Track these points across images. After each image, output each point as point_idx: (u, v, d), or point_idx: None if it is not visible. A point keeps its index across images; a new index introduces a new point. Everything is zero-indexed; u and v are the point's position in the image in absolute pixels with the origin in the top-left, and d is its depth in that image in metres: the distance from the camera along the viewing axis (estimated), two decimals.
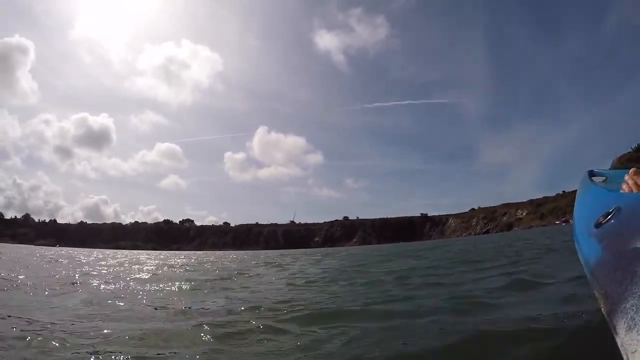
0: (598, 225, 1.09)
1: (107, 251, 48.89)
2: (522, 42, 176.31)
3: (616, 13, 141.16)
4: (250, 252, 55.76)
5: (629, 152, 61.43)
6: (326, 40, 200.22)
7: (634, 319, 0.65)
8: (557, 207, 77.10)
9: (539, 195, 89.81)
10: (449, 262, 10.02)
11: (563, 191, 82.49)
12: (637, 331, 0.63)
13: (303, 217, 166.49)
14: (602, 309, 0.81)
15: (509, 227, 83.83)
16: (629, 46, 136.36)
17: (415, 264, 10.74)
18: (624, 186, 1.43)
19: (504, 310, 3.56)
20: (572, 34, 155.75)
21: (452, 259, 11.28)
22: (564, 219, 66.48)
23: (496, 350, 2.43)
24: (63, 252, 31.06)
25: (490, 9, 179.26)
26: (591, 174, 2.09)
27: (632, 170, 1.44)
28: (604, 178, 2.06)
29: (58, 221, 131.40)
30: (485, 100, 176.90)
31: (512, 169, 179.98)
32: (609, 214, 1.07)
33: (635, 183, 1.38)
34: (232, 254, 36.40)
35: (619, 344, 0.68)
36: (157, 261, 19.09)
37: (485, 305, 3.78)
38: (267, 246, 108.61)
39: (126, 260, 19.53)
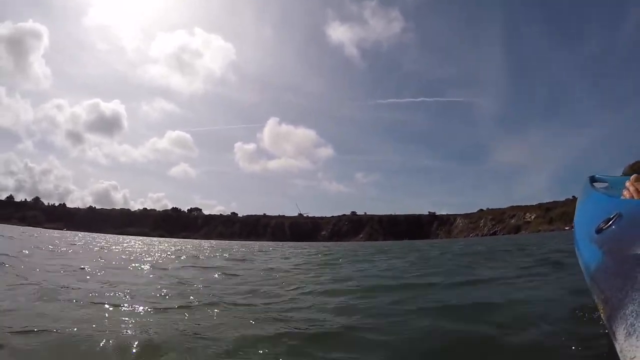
0: (599, 231, 1.11)
1: (119, 237, 49.46)
2: (538, 42, 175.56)
3: (636, 16, 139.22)
4: (251, 242, 55.53)
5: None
6: (339, 33, 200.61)
7: (634, 325, 0.65)
8: (566, 212, 76.64)
9: (549, 199, 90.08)
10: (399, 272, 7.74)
11: (573, 196, 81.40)
12: (637, 337, 0.63)
13: (312, 210, 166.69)
14: (602, 314, 0.81)
15: (517, 229, 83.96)
16: None
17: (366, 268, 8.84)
18: (625, 192, 1.45)
19: None
20: (590, 37, 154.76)
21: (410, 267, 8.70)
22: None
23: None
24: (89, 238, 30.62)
25: (507, 7, 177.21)
26: (592, 179, 2.14)
27: (633, 176, 1.47)
28: (606, 184, 2.09)
29: (67, 205, 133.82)
30: (499, 100, 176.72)
31: (523, 171, 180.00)
32: (609, 219, 1.09)
33: (637, 189, 1.40)
34: (222, 244, 36.23)
35: (618, 349, 0.68)
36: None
37: None
38: (274, 237, 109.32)
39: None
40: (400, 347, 2.57)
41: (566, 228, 65.43)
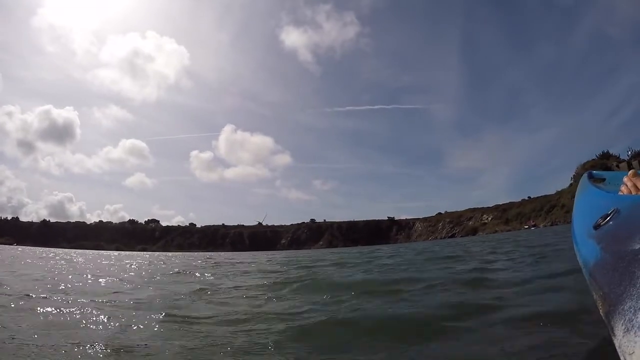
0: (597, 226, 1.09)
1: (71, 251, 45.83)
2: (494, 49, 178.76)
3: (588, 22, 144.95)
4: (207, 253, 52.57)
5: (592, 159, 62.93)
6: (294, 37, 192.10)
7: (632, 321, 0.66)
8: (522, 212, 78.14)
9: (505, 201, 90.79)
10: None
11: (528, 197, 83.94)
12: (635, 333, 0.63)
13: (272, 219, 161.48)
14: (600, 310, 0.81)
15: (474, 231, 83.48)
16: (599, 56, 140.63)
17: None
18: (623, 188, 1.43)
19: None
20: (543, 43, 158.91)
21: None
22: (532, 223, 67.33)
23: None
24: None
25: (463, 15, 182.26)
26: (590, 175, 2.05)
27: (630, 172, 1.43)
28: (603, 180, 1.99)
29: (21, 219, 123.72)
30: (455, 106, 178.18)
31: (481, 174, 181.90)
32: (607, 215, 1.08)
33: (634, 185, 1.38)
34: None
35: (616, 345, 0.68)
36: None
37: None
38: (234, 248, 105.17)
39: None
40: None
41: (525, 227, 66.37)
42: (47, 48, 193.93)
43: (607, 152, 64.45)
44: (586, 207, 1.49)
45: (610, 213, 1.06)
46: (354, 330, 3.19)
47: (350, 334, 3.12)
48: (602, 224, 1.07)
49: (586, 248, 1.10)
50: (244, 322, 3.74)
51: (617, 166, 55.41)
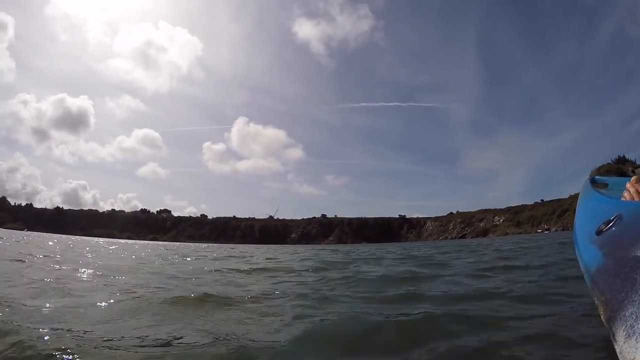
0: (599, 232, 1.09)
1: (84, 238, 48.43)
2: (512, 50, 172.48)
3: (610, 22, 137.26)
4: (217, 245, 53.35)
5: (607, 164, 60.77)
6: (306, 30, 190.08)
7: (633, 327, 0.65)
8: (534, 215, 76.26)
9: (518, 204, 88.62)
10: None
11: (541, 200, 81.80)
12: (636, 339, 0.63)
13: (283, 213, 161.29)
14: (602, 316, 0.80)
15: (485, 233, 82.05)
16: (620, 57, 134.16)
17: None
18: (625, 194, 1.43)
19: None
20: (563, 44, 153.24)
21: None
22: (546, 227, 65.85)
23: None
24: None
25: (480, 12, 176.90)
26: (593, 181, 2.05)
27: (633, 178, 1.44)
28: (606, 185, 2.02)
29: (35, 205, 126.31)
30: (472, 107, 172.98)
31: (495, 175, 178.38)
32: (610, 221, 1.07)
33: (637, 191, 1.38)
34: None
35: (617, 351, 0.68)
36: None
37: None
38: (244, 240, 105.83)
39: None
40: None
41: (538, 231, 64.82)
42: (60, 37, 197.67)
43: (623, 156, 62.10)
44: (589, 212, 1.49)
45: (613, 219, 1.06)
46: None
47: None
48: (604, 229, 1.06)
49: (588, 254, 1.08)
50: None
51: (633, 171, 53.39)
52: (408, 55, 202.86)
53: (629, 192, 1.41)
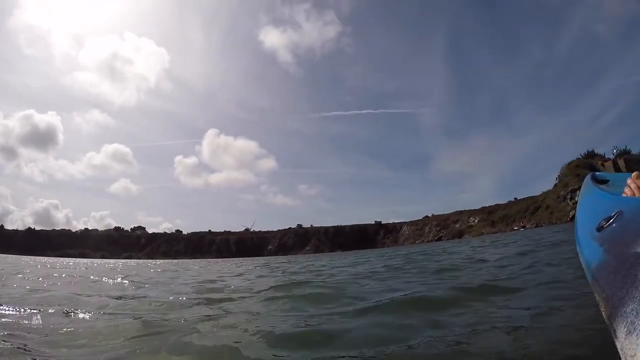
0: (600, 228, 1.09)
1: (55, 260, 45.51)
2: (479, 54, 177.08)
3: (576, 20, 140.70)
4: (191, 260, 50.43)
5: (577, 159, 61.41)
6: (273, 38, 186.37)
7: (634, 323, 0.66)
8: (508, 214, 76.29)
9: (492, 203, 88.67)
10: None
11: (515, 198, 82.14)
12: (637, 335, 0.63)
13: (259, 225, 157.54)
14: (603, 312, 0.81)
15: (461, 234, 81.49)
16: (586, 55, 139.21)
17: None
18: (626, 190, 1.43)
19: None
20: (528, 49, 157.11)
21: None
22: (522, 225, 65.70)
23: None
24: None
25: (447, 18, 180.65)
26: (594, 177, 2.04)
27: (634, 174, 1.44)
28: (607, 181, 1.98)
29: (6, 227, 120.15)
30: (442, 111, 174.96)
31: (468, 177, 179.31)
32: (610, 217, 1.08)
33: (638, 187, 1.38)
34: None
35: (618, 347, 0.68)
36: None
37: None
38: (220, 255, 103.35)
39: None
40: None
41: (515, 228, 64.59)
42: (25, 50, 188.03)
43: (593, 151, 62.93)
44: (589, 208, 1.46)
45: (614, 215, 1.06)
46: None
47: None
48: (605, 226, 1.06)
49: (589, 250, 1.08)
50: None
51: (603, 165, 53.82)
52: (377, 61, 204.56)
53: (630, 188, 1.39)
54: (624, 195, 1.39)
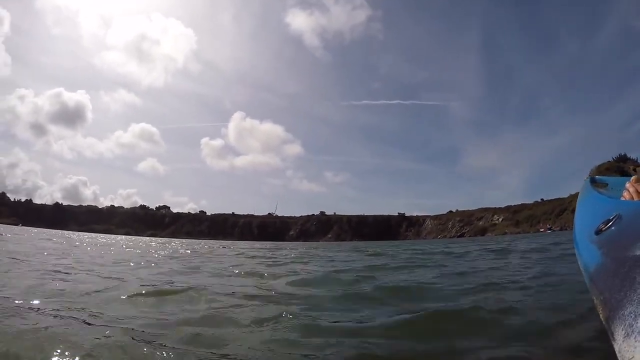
0: (598, 232, 1.10)
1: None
2: (514, 49, 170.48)
3: (615, 16, 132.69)
4: (213, 241, 52.76)
5: (608, 162, 59.44)
6: (300, 20, 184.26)
7: (632, 326, 0.66)
8: (533, 215, 74.80)
9: (518, 202, 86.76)
10: None
11: (541, 199, 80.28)
12: (635, 338, 0.63)
13: (282, 210, 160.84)
14: (601, 315, 0.81)
15: (483, 231, 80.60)
16: (625, 53, 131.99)
17: None
18: (625, 194, 1.43)
19: None
20: (563, 46, 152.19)
21: None
22: (549, 226, 63.89)
23: None
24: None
25: (481, 9, 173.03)
26: (593, 180, 2.06)
27: (633, 178, 1.45)
28: (606, 185, 2.02)
29: (35, 201, 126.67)
30: (473, 105, 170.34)
31: (496, 174, 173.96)
32: (609, 221, 1.08)
33: (637, 190, 1.39)
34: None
35: (616, 350, 0.68)
36: None
37: None
38: (242, 237, 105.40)
39: None
40: None
41: (541, 230, 63.09)
42: (53, 30, 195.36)
43: (625, 155, 60.58)
44: (588, 212, 1.48)
45: (612, 218, 1.05)
46: None
47: None
48: (603, 229, 1.06)
49: (587, 253, 1.08)
50: None
51: (634, 170, 52.03)
52: (407, 50, 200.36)
53: (629, 191, 1.39)
54: (622, 198, 1.40)
